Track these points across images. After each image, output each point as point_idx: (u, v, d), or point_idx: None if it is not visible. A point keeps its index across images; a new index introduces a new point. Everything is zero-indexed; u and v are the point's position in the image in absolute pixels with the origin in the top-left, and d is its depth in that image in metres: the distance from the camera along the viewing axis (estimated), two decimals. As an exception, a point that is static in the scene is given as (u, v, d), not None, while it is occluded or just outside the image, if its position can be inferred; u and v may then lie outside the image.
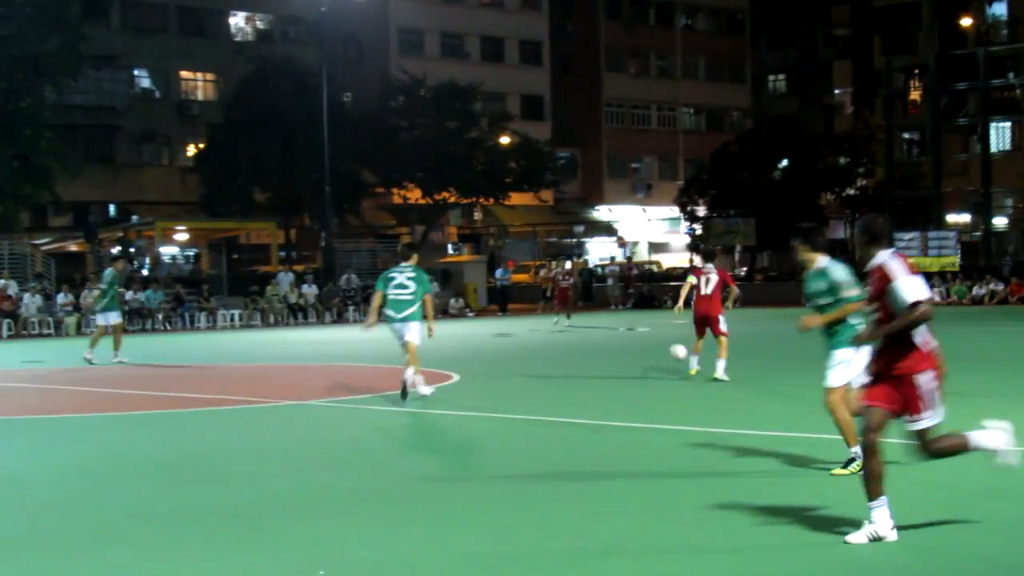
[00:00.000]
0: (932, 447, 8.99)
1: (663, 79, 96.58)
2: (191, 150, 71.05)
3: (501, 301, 56.34)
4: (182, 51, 71.92)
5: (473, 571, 8.41)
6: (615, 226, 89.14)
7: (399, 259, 19.36)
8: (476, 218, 79.48)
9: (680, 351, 20.82)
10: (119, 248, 57.51)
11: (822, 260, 11.73)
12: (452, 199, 70.15)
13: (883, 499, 8.78)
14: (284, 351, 32.74)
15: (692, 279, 21.32)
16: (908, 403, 8.81)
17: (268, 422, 17.14)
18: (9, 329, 44.27)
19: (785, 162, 77.01)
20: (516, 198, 72.59)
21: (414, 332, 18.42)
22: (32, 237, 59.72)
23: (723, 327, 20.96)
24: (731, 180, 75.39)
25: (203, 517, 10.19)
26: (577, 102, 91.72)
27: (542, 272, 56.67)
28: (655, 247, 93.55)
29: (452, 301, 55.13)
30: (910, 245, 59.06)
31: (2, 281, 46.41)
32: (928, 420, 8.83)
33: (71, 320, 45.69)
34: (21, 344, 39.90)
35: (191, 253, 64.59)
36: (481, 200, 72.11)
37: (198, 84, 74.63)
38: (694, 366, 21.28)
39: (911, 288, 8.70)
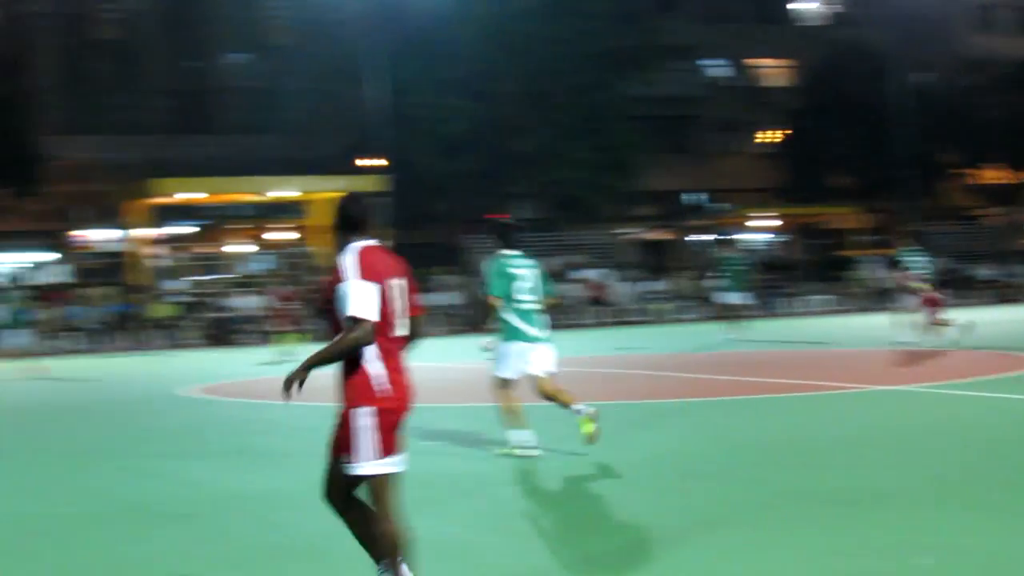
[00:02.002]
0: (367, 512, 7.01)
1: None
2: (767, 137, 71.52)
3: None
4: (755, 38, 72.61)
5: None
6: None
7: None
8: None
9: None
10: (717, 236, 58.62)
11: None
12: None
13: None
14: (871, 336, 32.28)
15: None
16: (344, 441, 6.84)
17: (858, 408, 16.91)
18: (599, 316, 46.06)
19: None
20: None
21: None
22: (616, 226, 61.99)
23: None
24: None
25: (801, 502, 10.24)
26: None
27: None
28: None
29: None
30: None
31: (595, 271, 48.50)
32: (357, 467, 6.78)
33: (662, 307, 47.06)
34: (614, 331, 41.50)
35: (776, 239, 65.17)
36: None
37: (772, 71, 75.04)
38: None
39: (357, 297, 6.57)
